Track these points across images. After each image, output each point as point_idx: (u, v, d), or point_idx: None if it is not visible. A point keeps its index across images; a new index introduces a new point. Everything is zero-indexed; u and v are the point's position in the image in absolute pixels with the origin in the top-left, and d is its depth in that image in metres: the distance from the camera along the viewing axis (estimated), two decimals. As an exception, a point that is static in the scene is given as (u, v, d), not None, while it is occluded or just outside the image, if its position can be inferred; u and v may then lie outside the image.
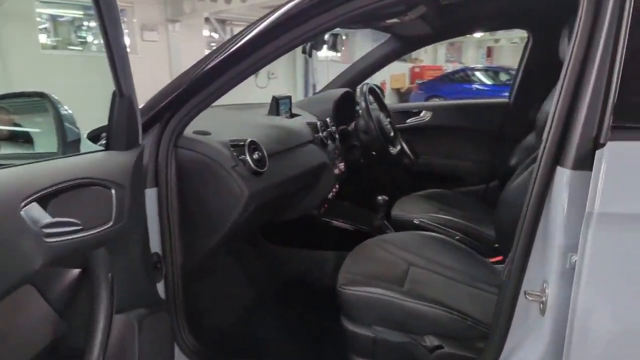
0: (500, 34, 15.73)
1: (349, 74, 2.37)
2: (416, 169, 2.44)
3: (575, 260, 0.79)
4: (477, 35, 16.43)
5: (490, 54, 18.66)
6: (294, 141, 1.56)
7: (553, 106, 0.87)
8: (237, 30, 7.02)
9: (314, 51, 1.79)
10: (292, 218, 1.77)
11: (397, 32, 2.06)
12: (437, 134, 2.44)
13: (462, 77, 11.86)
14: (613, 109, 0.77)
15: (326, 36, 1.75)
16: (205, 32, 10.44)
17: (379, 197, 1.81)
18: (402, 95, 13.43)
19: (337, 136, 1.91)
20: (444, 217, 1.88)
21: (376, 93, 2.18)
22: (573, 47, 0.83)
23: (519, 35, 15.80)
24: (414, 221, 1.83)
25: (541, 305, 0.85)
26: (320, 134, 1.72)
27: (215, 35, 10.66)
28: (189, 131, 1.21)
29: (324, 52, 1.88)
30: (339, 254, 1.74)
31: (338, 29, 1.70)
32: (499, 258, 1.63)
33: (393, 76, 13.31)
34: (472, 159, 2.38)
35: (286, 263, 1.93)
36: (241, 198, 1.21)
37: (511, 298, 0.92)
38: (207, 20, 9.98)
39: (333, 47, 1.70)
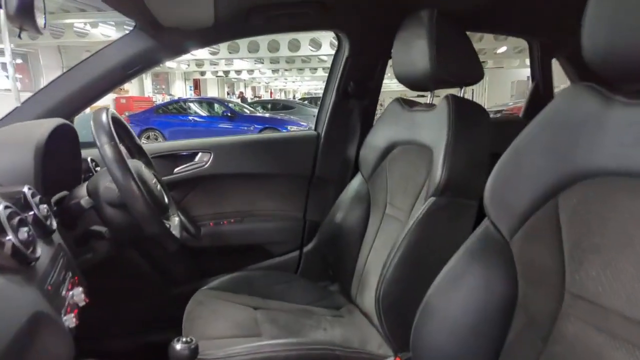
0: (206, 67, 15.93)
1: (57, 95, 1.27)
2: (199, 246, 1.54)
3: None
4: (184, 67, 16.14)
5: (198, 85, 18.73)
6: None
7: None
8: None
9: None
10: None
11: (155, 18, 1.14)
12: (222, 186, 1.61)
13: (177, 108, 11.16)
14: None
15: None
16: None
17: (178, 344, 0.84)
18: (109, 129, 11.62)
19: (54, 225, 0.84)
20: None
21: (123, 125, 1.19)
22: None
23: (223, 69, 16.40)
24: None
25: None
26: (11, 236, 0.63)
27: None
28: None
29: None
30: None
31: None
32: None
33: (95, 108, 11.36)
34: (278, 217, 1.66)
35: None
36: None
37: None
38: None
39: (25, 15, 0.66)
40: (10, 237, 0.62)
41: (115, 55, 1.28)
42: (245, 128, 10.19)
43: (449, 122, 1.09)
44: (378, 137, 1.41)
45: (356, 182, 1.50)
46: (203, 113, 11.08)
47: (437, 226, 1.08)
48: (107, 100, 12.58)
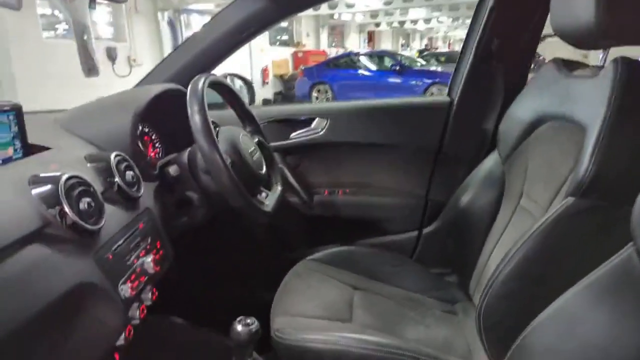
0: (380, 18, 15.65)
1: (181, 60, 1.32)
2: (311, 214, 1.51)
3: None
4: (359, 19, 16.17)
5: (372, 38, 18.64)
6: None
7: None
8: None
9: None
10: None
11: None
12: (339, 155, 1.52)
13: (347, 62, 11.29)
14: None
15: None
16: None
17: (239, 326, 0.82)
18: (286, 82, 12.50)
19: (141, 191, 0.88)
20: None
21: (231, 91, 1.17)
22: None
23: (397, 19, 15.89)
24: None
25: None
26: (67, 208, 0.66)
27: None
28: None
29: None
30: None
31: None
32: None
33: (275, 62, 12.32)
34: (398, 193, 1.51)
35: None
36: None
37: None
38: None
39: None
40: (66, 208, 0.65)
41: (231, 18, 1.26)
42: (414, 83, 9.80)
43: (610, 95, 0.78)
44: (523, 109, 1.13)
45: (490, 162, 1.25)
46: (372, 67, 10.99)
47: (571, 238, 0.81)
48: (286, 54, 13.48)
